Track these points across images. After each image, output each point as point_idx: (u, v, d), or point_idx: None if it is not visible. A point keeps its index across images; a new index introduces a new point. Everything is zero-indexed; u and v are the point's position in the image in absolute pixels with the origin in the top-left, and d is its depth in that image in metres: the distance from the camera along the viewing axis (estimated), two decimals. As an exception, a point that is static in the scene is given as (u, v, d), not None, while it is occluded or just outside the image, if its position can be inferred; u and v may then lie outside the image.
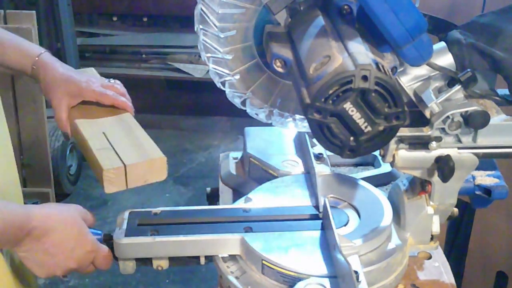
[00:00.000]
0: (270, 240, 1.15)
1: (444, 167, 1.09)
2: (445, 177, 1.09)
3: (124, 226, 1.18)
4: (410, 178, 1.21)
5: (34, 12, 3.06)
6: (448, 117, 1.08)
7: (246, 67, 1.29)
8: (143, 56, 4.71)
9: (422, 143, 1.11)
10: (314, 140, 1.24)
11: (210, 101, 4.61)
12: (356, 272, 0.99)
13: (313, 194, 1.31)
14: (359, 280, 0.99)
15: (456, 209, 1.24)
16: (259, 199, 1.29)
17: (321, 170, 1.34)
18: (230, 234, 1.16)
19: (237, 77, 1.29)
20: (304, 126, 1.42)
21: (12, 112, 3.14)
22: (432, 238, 1.22)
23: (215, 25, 1.22)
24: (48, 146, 3.33)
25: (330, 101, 0.97)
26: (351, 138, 1.00)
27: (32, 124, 3.22)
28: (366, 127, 0.99)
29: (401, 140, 1.10)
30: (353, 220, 1.22)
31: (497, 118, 1.12)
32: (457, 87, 1.10)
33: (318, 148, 1.43)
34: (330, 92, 0.96)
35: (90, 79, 1.34)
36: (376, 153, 1.19)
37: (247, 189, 1.38)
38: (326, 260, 1.11)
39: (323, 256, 1.12)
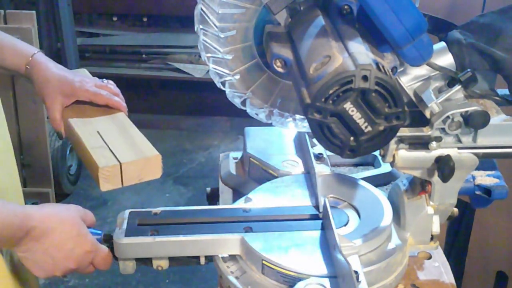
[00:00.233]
0: (270, 240, 1.15)
1: (444, 167, 1.09)
2: (445, 177, 1.09)
3: (124, 226, 1.18)
4: (410, 178, 1.21)
5: (34, 12, 3.05)
6: (448, 117, 1.08)
7: (246, 67, 1.29)
8: (143, 56, 4.71)
9: (422, 143, 1.11)
10: (314, 140, 1.24)
11: (210, 101, 4.61)
12: (356, 272, 0.99)
13: (313, 194, 1.31)
14: (359, 280, 0.99)
15: (456, 209, 1.24)
16: (259, 199, 1.29)
17: (321, 170, 1.34)
18: (230, 234, 1.16)
19: (237, 77, 1.29)
20: (304, 126, 1.42)
21: (12, 112, 3.14)
22: (432, 238, 1.22)
23: (215, 25, 1.22)
24: (48, 146, 3.33)
25: (330, 101, 0.97)
26: (351, 138, 1.00)
27: (32, 124, 3.22)
28: (366, 127, 0.99)
29: (401, 140, 1.10)
30: (353, 220, 1.22)
31: (497, 118, 1.12)
32: (457, 87, 1.10)
33: (318, 148, 1.43)
34: (331, 92, 0.96)
35: (84, 79, 1.34)
36: (376, 153, 1.20)
37: (247, 189, 1.38)
38: (326, 260, 1.11)
39: (323, 256, 1.12)
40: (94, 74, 1.43)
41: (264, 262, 1.11)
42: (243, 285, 1.11)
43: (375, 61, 0.97)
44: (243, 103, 1.34)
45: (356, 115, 0.98)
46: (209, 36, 1.24)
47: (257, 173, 1.48)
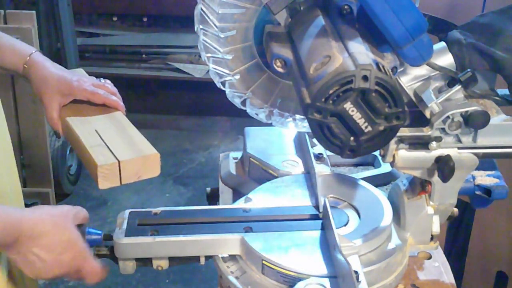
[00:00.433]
0: (270, 240, 1.15)
1: (444, 167, 1.09)
2: (445, 177, 1.09)
3: (124, 226, 1.18)
4: (410, 178, 1.21)
5: (34, 12, 3.05)
6: (448, 117, 1.08)
7: (246, 67, 1.29)
8: (143, 56, 4.70)
9: (422, 143, 1.11)
10: (314, 140, 1.24)
11: (210, 101, 4.61)
12: (356, 272, 0.99)
13: (313, 194, 1.31)
14: (359, 280, 0.99)
15: (456, 209, 1.24)
16: (259, 199, 1.29)
17: (321, 170, 1.34)
18: (230, 234, 1.16)
19: (237, 77, 1.29)
20: (304, 126, 1.42)
21: (12, 112, 3.14)
22: (432, 238, 1.22)
23: (215, 25, 1.22)
24: (48, 146, 3.33)
25: (331, 101, 0.97)
26: (351, 138, 1.00)
27: (32, 124, 3.22)
28: (366, 127, 0.99)
29: (401, 140, 1.10)
30: (353, 220, 1.22)
31: (497, 118, 1.12)
32: (457, 87, 1.10)
33: (318, 148, 1.43)
34: (331, 92, 0.96)
35: (82, 78, 1.34)
36: (376, 153, 1.20)
37: (247, 189, 1.38)
38: (326, 260, 1.11)
39: (323, 256, 1.12)
40: (94, 74, 1.43)
41: (264, 262, 1.11)
42: (243, 285, 1.11)
43: (375, 61, 0.97)
44: (243, 103, 1.34)
45: (356, 115, 0.98)
46: (209, 36, 1.24)
47: (257, 173, 1.48)
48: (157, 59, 4.69)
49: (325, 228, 1.18)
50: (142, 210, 1.24)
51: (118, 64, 4.64)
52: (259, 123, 1.44)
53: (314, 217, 1.24)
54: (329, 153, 1.40)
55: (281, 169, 1.43)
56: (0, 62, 1.33)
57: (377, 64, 0.96)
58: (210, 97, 4.63)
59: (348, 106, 0.97)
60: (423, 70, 1.13)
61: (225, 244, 1.16)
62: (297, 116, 1.39)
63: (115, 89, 1.38)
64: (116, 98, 1.35)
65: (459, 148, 1.12)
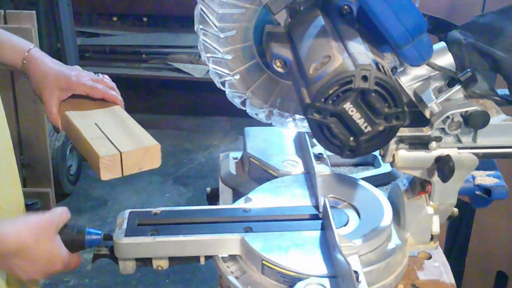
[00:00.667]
0: (270, 240, 1.15)
1: (444, 167, 1.09)
2: (445, 177, 1.09)
3: (124, 226, 1.18)
4: (410, 178, 1.21)
5: (34, 12, 3.05)
6: (448, 117, 1.08)
7: (246, 67, 1.29)
8: (143, 56, 4.70)
9: (422, 143, 1.11)
10: (314, 140, 1.23)
11: (210, 101, 4.61)
12: (356, 272, 0.99)
13: (313, 194, 1.31)
14: (359, 280, 0.99)
15: (456, 209, 1.24)
16: (259, 199, 1.29)
17: (321, 170, 1.34)
18: (230, 234, 1.16)
19: (237, 77, 1.29)
20: (304, 126, 1.42)
21: (12, 112, 3.14)
22: (432, 238, 1.22)
23: (215, 25, 1.22)
24: (48, 146, 3.33)
25: (330, 101, 0.97)
26: (351, 138, 1.00)
27: (32, 124, 3.22)
28: (366, 127, 0.99)
29: (401, 140, 1.10)
30: (353, 220, 1.22)
31: (497, 118, 1.12)
32: (457, 87, 1.10)
33: (318, 148, 1.43)
34: (330, 92, 0.96)
35: (80, 73, 1.35)
36: (376, 153, 1.20)
37: (247, 189, 1.38)
38: (326, 260, 1.11)
39: (323, 256, 1.12)
40: (94, 74, 1.43)
41: (264, 262, 1.11)
42: (243, 285, 1.11)
43: (375, 61, 0.97)
44: (243, 103, 1.34)
45: (356, 115, 0.98)
46: (209, 36, 1.24)
47: (257, 173, 1.48)
48: (157, 59, 4.69)
49: (325, 228, 1.18)
50: (142, 210, 1.25)
51: (118, 64, 4.64)
52: (259, 123, 1.44)
53: (314, 217, 1.24)
54: (329, 153, 1.40)
55: (281, 169, 1.43)
56: (0, 58, 1.33)
57: (376, 64, 0.96)
58: (210, 97, 4.64)
59: (347, 106, 0.97)
60: (423, 70, 1.13)
61: (225, 244, 1.16)
62: (297, 116, 1.39)
63: (113, 84, 1.38)
64: (114, 93, 1.35)
65: (459, 148, 1.12)
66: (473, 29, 1.13)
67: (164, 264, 1.19)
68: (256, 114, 1.37)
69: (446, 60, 1.12)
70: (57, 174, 3.47)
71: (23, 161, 3.29)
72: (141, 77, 4.69)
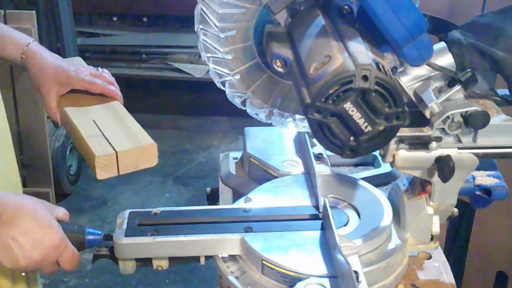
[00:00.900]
0: (270, 240, 1.15)
1: (444, 167, 1.09)
2: (445, 177, 1.09)
3: (124, 226, 1.18)
4: (410, 178, 1.21)
5: (34, 12, 3.06)
6: (448, 117, 1.08)
7: (246, 67, 1.29)
8: (143, 56, 4.71)
9: (422, 143, 1.11)
10: (314, 140, 1.24)
11: (210, 101, 4.62)
12: (356, 272, 0.99)
13: (313, 194, 1.31)
14: (359, 280, 0.99)
15: (456, 209, 1.24)
16: (259, 199, 1.29)
17: (321, 170, 1.34)
18: (230, 234, 1.16)
19: (237, 77, 1.29)
20: (304, 126, 1.42)
21: (12, 112, 3.14)
22: (432, 238, 1.22)
23: (215, 25, 1.22)
24: (48, 146, 3.33)
25: (331, 101, 0.96)
26: (351, 138, 1.00)
27: (32, 124, 3.22)
28: (366, 127, 0.99)
29: (401, 140, 1.10)
30: (353, 220, 1.22)
31: (497, 118, 1.12)
32: (457, 87, 1.10)
33: (318, 148, 1.43)
34: (331, 92, 0.96)
35: (79, 67, 1.35)
36: (376, 153, 1.20)
37: (247, 189, 1.38)
38: (326, 260, 1.11)
39: (323, 256, 1.12)
40: (94, 74, 1.43)
41: (264, 262, 1.11)
42: (243, 285, 1.11)
43: (375, 61, 0.97)
44: (243, 103, 1.34)
45: (356, 115, 0.98)
46: (209, 36, 1.24)
47: (257, 173, 1.48)
48: (157, 59, 4.69)
49: (325, 228, 1.18)
50: (142, 210, 1.24)
51: (118, 64, 4.65)
52: (259, 123, 1.44)
53: (314, 217, 1.24)
54: (329, 153, 1.40)
55: (281, 169, 1.43)
56: (1, 52, 1.34)
57: (377, 64, 0.96)
58: (210, 97, 4.64)
59: (348, 106, 0.97)
60: (423, 70, 1.13)
61: (225, 244, 1.16)
62: (297, 116, 1.39)
63: (112, 79, 1.38)
64: (113, 88, 1.35)
65: (459, 148, 1.12)
66: (473, 29, 1.13)
67: (164, 264, 1.19)
68: (256, 114, 1.37)
69: (446, 60, 1.12)
70: (57, 174, 3.47)
71: (23, 161, 3.29)
72: (141, 77, 4.70)
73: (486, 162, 1.29)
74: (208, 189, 1.62)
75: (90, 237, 1.18)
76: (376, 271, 1.11)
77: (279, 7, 1.12)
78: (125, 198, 3.72)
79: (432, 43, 1.03)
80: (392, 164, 1.13)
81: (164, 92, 4.99)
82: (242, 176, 1.54)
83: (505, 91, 1.14)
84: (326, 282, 1.06)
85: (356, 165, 1.61)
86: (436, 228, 1.20)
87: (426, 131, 1.10)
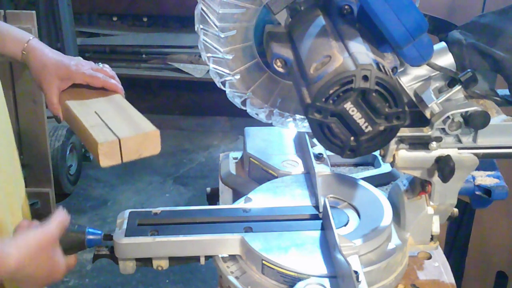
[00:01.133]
0: (270, 240, 1.15)
1: (444, 167, 1.09)
2: (445, 177, 1.09)
3: (124, 226, 1.18)
4: (410, 178, 1.21)
5: (34, 12, 3.05)
6: (448, 117, 1.08)
7: (246, 67, 1.29)
8: (143, 56, 4.71)
9: (422, 143, 1.11)
10: (314, 140, 1.24)
11: (210, 101, 4.61)
12: (356, 272, 0.99)
13: (313, 194, 1.31)
14: (359, 280, 0.99)
15: (456, 210, 1.24)
16: (259, 199, 1.29)
17: (321, 170, 1.34)
18: (230, 234, 1.16)
19: (238, 77, 1.29)
20: (304, 126, 1.42)
21: (12, 112, 3.14)
22: (432, 238, 1.22)
23: (215, 25, 1.22)
24: (48, 146, 3.33)
25: (331, 101, 0.96)
26: (352, 138, 1.00)
27: (32, 124, 3.22)
28: (366, 127, 0.99)
29: (401, 140, 1.10)
30: (353, 220, 1.22)
31: (497, 118, 1.12)
32: (458, 87, 1.10)
33: (318, 148, 1.43)
34: (331, 92, 0.96)
35: (80, 62, 1.35)
36: (376, 153, 1.20)
37: (247, 189, 1.38)
38: (326, 260, 1.11)
39: (323, 256, 1.12)
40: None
41: (264, 262, 1.11)
42: (243, 285, 1.11)
43: (376, 61, 0.97)
44: (244, 103, 1.34)
45: (357, 115, 0.98)
46: (209, 36, 1.24)
47: (257, 173, 1.48)
48: (157, 59, 4.69)
49: (325, 228, 1.18)
50: (142, 210, 1.24)
51: (118, 64, 4.65)
52: (259, 123, 1.44)
53: (314, 217, 1.24)
54: (329, 153, 1.40)
55: (281, 169, 1.43)
56: (1, 49, 1.34)
57: (377, 64, 0.96)
58: (210, 97, 4.64)
59: (348, 106, 0.97)
60: (423, 70, 1.13)
61: (225, 244, 1.16)
62: (297, 116, 1.39)
63: (113, 73, 1.38)
64: (115, 81, 1.35)
65: (459, 148, 1.12)
66: (473, 29, 1.13)
67: (164, 264, 1.19)
68: (257, 114, 1.37)
69: (446, 60, 1.12)
70: (57, 174, 3.47)
71: (23, 161, 3.28)
72: (141, 77, 4.69)
73: (486, 162, 1.29)
74: (208, 189, 1.62)
75: (90, 237, 1.18)
76: (376, 271, 1.11)
77: (279, 7, 1.12)
78: (125, 198, 3.72)
79: (432, 43, 1.03)
80: (392, 164, 1.13)
81: (164, 92, 4.99)
82: (242, 176, 1.54)
83: (505, 91, 1.14)
84: (326, 282, 1.06)
85: (356, 165, 1.61)
86: (436, 228, 1.20)
87: (426, 131, 1.10)
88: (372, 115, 0.98)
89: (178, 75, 4.62)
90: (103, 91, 1.33)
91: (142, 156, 1.18)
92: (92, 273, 3.06)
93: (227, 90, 1.31)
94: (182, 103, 4.93)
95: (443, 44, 1.14)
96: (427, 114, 1.10)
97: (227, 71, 1.28)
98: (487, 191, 1.32)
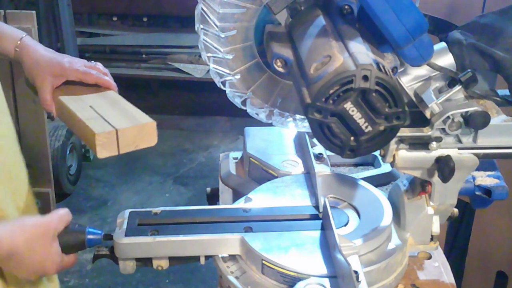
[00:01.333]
0: (270, 240, 1.15)
1: (444, 168, 1.09)
2: (445, 178, 1.09)
3: (124, 226, 1.18)
4: (410, 178, 1.21)
5: (34, 12, 3.05)
6: (448, 117, 1.08)
7: (246, 66, 1.29)
8: (143, 56, 4.71)
9: (422, 144, 1.11)
10: (314, 140, 1.24)
11: (210, 101, 4.61)
12: (356, 272, 0.99)
13: (313, 194, 1.31)
14: (359, 280, 0.99)
15: (456, 210, 1.24)
16: (259, 199, 1.29)
17: (321, 170, 1.34)
18: (230, 234, 1.16)
19: (238, 76, 1.29)
20: (304, 126, 1.42)
21: (12, 113, 3.13)
22: (432, 239, 1.22)
23: (215, 24, 1.22)
24: (48, 146, 3.33)
25: (331, 101, 0.96)
26: (352, 138, 1.00)
27: (32, 124, 3.22)
28: (366, 127, 0.99)
29: (402, 140, 1.10)
30: (353, 220, 1.22)
31: (498, 118, 1.12)
32: (458, 87, 1.10)
33: (318, 148, 1.43)
34: (331, 92, 0.96)
35: (73, 59, 1.35)
36: (376, 153, 1.20)
37: (247, 189, 1.38)
38: (326, 260, 1.11)
39: (323, 256, 1.12)
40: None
41: (264, 262, 1.11)
42: (243, 285, 1.11)
43: (376, 61, 0.97)
44: (244, 102, 1.34)
45: (357, 115, 0.98)
46: (209, 35, 1.24)
47: (257, 173, 1.48)
48: (157, 59, 4.69)
49: (325, 228, 1.18)
50: (142, 210, 1.24)
51: (118, 64, 4.65)
52: (259, 123, 1.44)
53: (314, 217, 1.24)
54: (329, 153, 1.40)
55: (281, 169, 1.43)
56: None
57: (377, 64, 0.96)
58: (210, 97, 4.64)
59: (348, 106, 0.97)
60: (423, 70, 1.13)
61: (225, 244, 1.16)
62: (298, 116, 1.39)
63: (106, 70, 1.38)
64: (108, 78, 1.35)
65: (459, 148, 1.12)
66: (473, 30, 1.13)
67: (164, 264, 1.19)
68: (257, 114, 1.37)
69: (446, 60, 1.12)
70: (57, 174, 3.47)
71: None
72: (141, 77, 4.70)
73: (486, 162, 1.29)
74: (208, 189, 1.62)
75: (90, 236, 1.18)
76: (376, 271, 1.11)
77: (279, 7, 1.12)
78: (125, 198, 3.72)
79: (432, 43, 1.03)
80: (392, 164, 1.13)
81: (164, 92, 4.99)
82: (242, 176, 1.54)
83: (506, 92, 1.14)
84: (326, 282, 1.06)
85: (356, 165, 1.61)
86: (436, 228, 1.20)
87: (426, 131, 1.10)
88: (372, 115, 0.98)
89: (178, 75, 4.62)
90: (97, 87, 1.33)
91: (139, 147, 1.18)
92: (92, 273, 3.06)
93: (227, 90, 1.31)
94: (182, 103, 4.93)
95: (443, 44, 1.14)
96: (427, 114, 1.10)
97: (227, 71, 1.28)
98: (487, 191, 1.32)
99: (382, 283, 1.13)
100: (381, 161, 1.51)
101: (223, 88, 1.31)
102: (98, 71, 1.35)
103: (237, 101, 1.33)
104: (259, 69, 1.30)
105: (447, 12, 2.23)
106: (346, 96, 0.96)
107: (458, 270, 2.40)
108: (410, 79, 1.14)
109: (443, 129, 1.10)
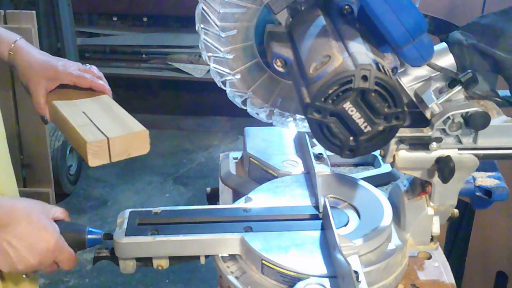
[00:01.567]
0: (270, 240, 1.15)
1: (445, 168, 1.08)
2: (445, 178, 1.09)
3: (125, 225, 1.18)
4: (410, 179, 1.21)
5: (34, 12, 3.06)
6: (448, 118, 1.08)
7: (247, 66, 1.29)
8: (143, 56, 4.71)
9: (422, 144, 1.11)
10: (314, 140, 1.23)
11: (210, 101, 4.61)
12: (356, 272, 0.99)
13: (313, 194, 1.31)
14: (359, 280, 0.99)
15: (456, 210, 1.24)
16: (259, 199, 1.29)
17: (321, 170, 1.34)
18: (230, 234, 1.16)
19: (238, 76, 1.29)
20: (304, 125, 1.42)
21: (12, 112, 3.13)
22: (432, 239, 1.22)
23: (216, 24, 1.22)
24: (48, 146, 3.33)
25: (330, 101, 0.96)
26: (351, 138, 1.00)
27: (32, 124, 3.22)
28: (365, 127, 0.99)
29: (402, 140, 1.10)
30: (353, 220, 1.22)
31: (498, 119, 1.12)
32: (458, 88, 1.09)
33: (318, 148, 1.43)
34: (330, 91, 0.96)
35: (67, 63, 1.35)
36: (376, 153, 1.20)
37: (247, 189, 1.38)
38: (326, 260, 1.11)
39: (323, 256, 1.12)
40: (94, 74, 1.43)
41: (264, 262, 1.11)
42: (243, 285, 1.11)
43: (375, 61, 0.97)
44: (244, 102, 1.34)
45: (356, 115, 0.98)
46: (210, 35, 1.24)
47: (257, 173, 1.48)
48: (157, 59, 4.69)
49: (325, 228, 1.18)
50: (143, 210, 1.24)
51: (118, 64, 4.65)
52: (259, 123, 1.44)
53: (314, 217, 1.24)
54: (329, 153, 1.40)
55: (281, 169, 1.43)
56: None
57: (377, 64, 0.96)
58: (210, 97, 4.64)
59: (347, 106, 0.97)
60: (423, 71, 1.13)
61: (225, 243, 1.16)
62: (298, 116, 1.39)
63: (101, 74, 1.38)
64: (102, 82, 1.35)
65: (459, 149, 1.12)
66: (474, 30, 1.13)
67: (165, 263, 1.19)
68: (257, 114, 1.37)
69: (447, 60, 1.12)
70: (57, 174, 3.47)
71: (23, 161, 3.29)
72: (141, 77, 4.69)
73: (486, 163, 1.29)
74: (208, 189, 1.62)
75: (91, 236, 1.18)
76: (376, 271, 1.11)
77: (280, 6, 1.12)
78: (125, 198, 3.72)
79: (432, 44, 1.03)
80: (392, 164, 1.13)
81: (164, 92, 4.98)
82: (242, 176, 1.54)
83: (506, 92, 1.14)
84: (326, 282, 1.06)
85: (356, 165, 1.61)
86: (436, 229, 1.20)
87: (427, 132, 1.10)
88: (371, 115, 0.98)
89: (178, 75, 4.62)
90: (91, 91, 1.33)
91: (131, 155, 1.18)
92: (92, 273, 3.06)
93: (228, 89, 1.31)
94: (182, 103, 4.93)
95: (443, 44, 1.14)
96: (427, 114, 1.10)
97: (228, 70, 1.28)
98: (488, 192, 1.32)
99: (382, 283, 1.13)
100: (381, 161, 1.51)
101: (224, 88, 1.31)
102: (92, 74, 1.35)
103: (238, 101, 1.33)
104: (259, 69, 1.30)
105: (447, 12, 2.23)
106: (345, 96, 0.96)
107: (458, 270, 2.40)
108: (411, 80, 1.13)
109: (443, 130, 1.10)
